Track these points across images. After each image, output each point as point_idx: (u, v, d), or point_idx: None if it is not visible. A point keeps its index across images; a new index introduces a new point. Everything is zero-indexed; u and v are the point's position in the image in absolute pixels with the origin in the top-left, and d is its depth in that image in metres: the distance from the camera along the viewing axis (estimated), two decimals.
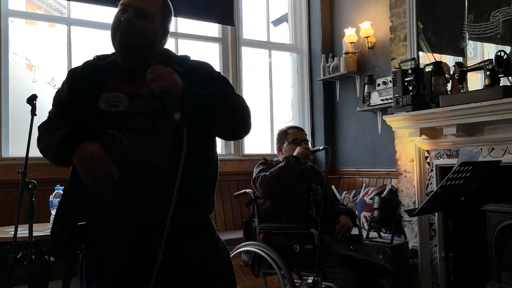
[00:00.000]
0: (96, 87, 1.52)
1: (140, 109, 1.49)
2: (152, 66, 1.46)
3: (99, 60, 1.61)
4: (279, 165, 2.79)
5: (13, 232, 2.43)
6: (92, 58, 1.64)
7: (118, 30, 1.54)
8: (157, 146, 1.47)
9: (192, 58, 1.67)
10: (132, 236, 1.47)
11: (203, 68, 1.64)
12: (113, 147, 1.44)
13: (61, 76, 4.06)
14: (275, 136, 3.16)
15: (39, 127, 1.65)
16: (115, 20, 1.55)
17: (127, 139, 1.46)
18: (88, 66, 1.60)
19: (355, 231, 2.94)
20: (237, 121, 1.56)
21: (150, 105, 1.49)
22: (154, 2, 1.55)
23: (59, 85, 4.41)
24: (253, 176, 2.84)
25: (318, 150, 2.96)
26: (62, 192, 1.55)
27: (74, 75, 1.61)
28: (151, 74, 1.43)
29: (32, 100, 2.43)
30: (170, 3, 1.63)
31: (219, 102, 1.51)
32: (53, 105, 1.65)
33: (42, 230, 3.01)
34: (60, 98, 1.62)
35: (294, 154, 2.80)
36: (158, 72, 1.44)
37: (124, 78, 1.54)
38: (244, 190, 2.98)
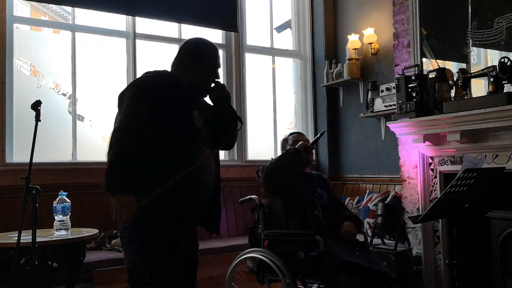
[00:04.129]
0: (188, 106, 2.11)
1: (207, 131, 2.17)
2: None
3: (174, 78, 2.15)
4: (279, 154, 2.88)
5: (16, 238, 2.43)
6: (164, 72, 2.19)
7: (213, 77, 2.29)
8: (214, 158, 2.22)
9: None
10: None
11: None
12: (202, 158, 2.08)
13: (65, 82, 4.10)
14: (279, 143, 3.23)
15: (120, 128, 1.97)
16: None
17: (208, 153, 2.14)
18: (172, 82, 2.12)
19: (361, 237, 2.93)
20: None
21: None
22: None
23: (63, 91, 4.41)
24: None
25: (317, 138, 3.03)
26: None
27: (165, 87, 2.07)
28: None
29: (36, 106, 2.44)
30: None
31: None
32: (137, 103, 2.00)
33: (46, 235, 3.01)
34: (148, 102, 2.00)
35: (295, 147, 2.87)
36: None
37: (195, 102, 2.20)
38: (249, 196, 2.99)
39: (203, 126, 2.14)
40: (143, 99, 1.99)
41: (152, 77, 2.13)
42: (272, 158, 2.95)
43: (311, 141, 3.12)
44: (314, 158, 5.15)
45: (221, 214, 2.33)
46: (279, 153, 3.15)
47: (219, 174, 2.29)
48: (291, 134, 3.18)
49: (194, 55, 2.20)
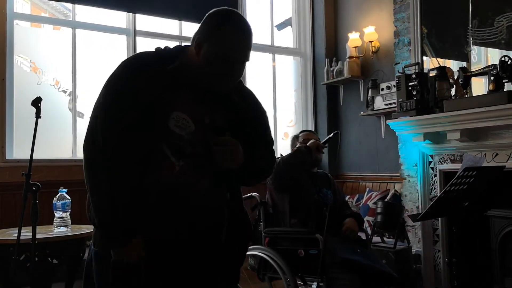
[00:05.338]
0: (168, 100, 1.52)
1: (199, 138, 1.54)
2: (224, 138, 1.53)
3: (164, 60, 1.57)
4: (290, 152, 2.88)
5: (16, 234, 2.43)
6: (155, 53, 1.60)
7: (231, 76, 1.59)
8: (203, 173, 1.56)
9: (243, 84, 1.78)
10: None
11: (253, 102, 1.75)
12: (165, 169, 1.51)
13: (65, 79, 4.09)
14: (280, 141, 3.23)
15: (95, 132, 1.52)
16: (230, 63, 1.54)
17: (179, 165, 1.52)
18: (156, 67, 1.55)
19: (362, 235, 2.94)
20: (259, 180, 1.82)
21: (206, 136, 1.56)
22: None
23: (63, 87, 4.38)
24: None
25: (330, 138, 3.02)
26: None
27: (139, 71, 1.54)
28: (224, 151, 1.52)
29: (36, 102, 2.45)
30: None
31: (256, 171, 1.70)
32: (110, 95, 1.54)
33: (45, 232, 3.01)
34: (123, 92, 1.52)
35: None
36: (230, 151, 1.53)
37: (193, 99, 1.56)
38: (250, 194, 2.99)
39: (201, 129, 1.54)
40: (119, 92, 1.53)
41: (134, 58, 1.63)
42: (281, 155, 2.94)
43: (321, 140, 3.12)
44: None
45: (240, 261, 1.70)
46: (280, 151, 3.15)
47: (237, 207, 1.69)
48: (302, 131, 3.20)
49: (199, 33, 1.56)
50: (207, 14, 1.59)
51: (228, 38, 1.51)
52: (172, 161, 1.51)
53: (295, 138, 3.15)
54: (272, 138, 1.77)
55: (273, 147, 1.77)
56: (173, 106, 1.52)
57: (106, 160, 1.47)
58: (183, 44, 1.68)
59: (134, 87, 1.50)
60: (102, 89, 1.57)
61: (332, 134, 3.02)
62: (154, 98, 1.49)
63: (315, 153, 2.86)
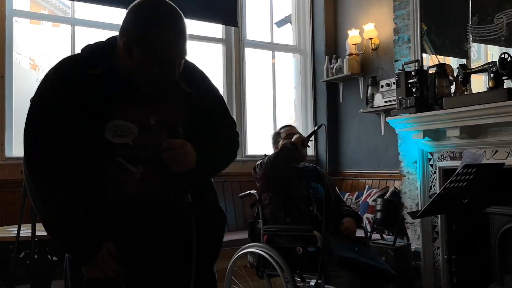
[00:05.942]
0: (99, 111, 1.36)
1: (149, 140, 1.42)
2: (168, 140, 1.40)
3: (90, 64, 1.41)
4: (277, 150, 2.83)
5: (16, 232, 2.43)
6: (80, 56, 1.46)
7: (169, 74, 1.40)
8: (167, 176, 1.44)
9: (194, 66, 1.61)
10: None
11: (207, 87, 1.60)
12: (127, 181, 1.40)
13: None
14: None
15: (29, 137, 1.41)
16: (166, 55, 1.37)
17: (140, 172, 1.41)
18: (81, 73, 1.38)
19: (360, 233, 2.93)
20: (225, 166, 1.66)
21: (160, 135, 1.43)
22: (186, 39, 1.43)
23: None
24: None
25: (314, 131, 2.94)
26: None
27: (64, 83, 1.38)
28: (168, 154, 1.39)
29: None
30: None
31: (219, 164, 1.61)
32: (34, 122, 1.40)
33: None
34: (49, 115, 1.38)
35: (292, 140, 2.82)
36: (174, 156, 1.40)
37: (133, 101, 1.41)
38: (249, 191, 2.99)
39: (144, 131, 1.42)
40: (44, 116, 1.39)
41: (56, 70, 1.44)
42: (265, 155, 2.92)
43: (304, 134, 3.07)
44: (313, 154, 5.17)
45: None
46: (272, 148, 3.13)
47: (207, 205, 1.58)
48: (282, 127, 3.13)
49: (125, 33, 1.41)
50: (129, 8, 1.41)
51: (160, 38, 1.34)
52: (132, 170, 1.40)
53: (276, 135, 3.07)
54: (233, 120, 1.67)
55: (236, 128, 1.68)
56: (108, 115, 1.37)
57: (42, 187, 1.41)
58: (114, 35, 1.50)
59: (59, 107, 1.36)
60: (29, 108, 1.42)
61: (316, 127, 2.94)
62: (85, 112, 1.35)
63: (300, 148, 2.78)
